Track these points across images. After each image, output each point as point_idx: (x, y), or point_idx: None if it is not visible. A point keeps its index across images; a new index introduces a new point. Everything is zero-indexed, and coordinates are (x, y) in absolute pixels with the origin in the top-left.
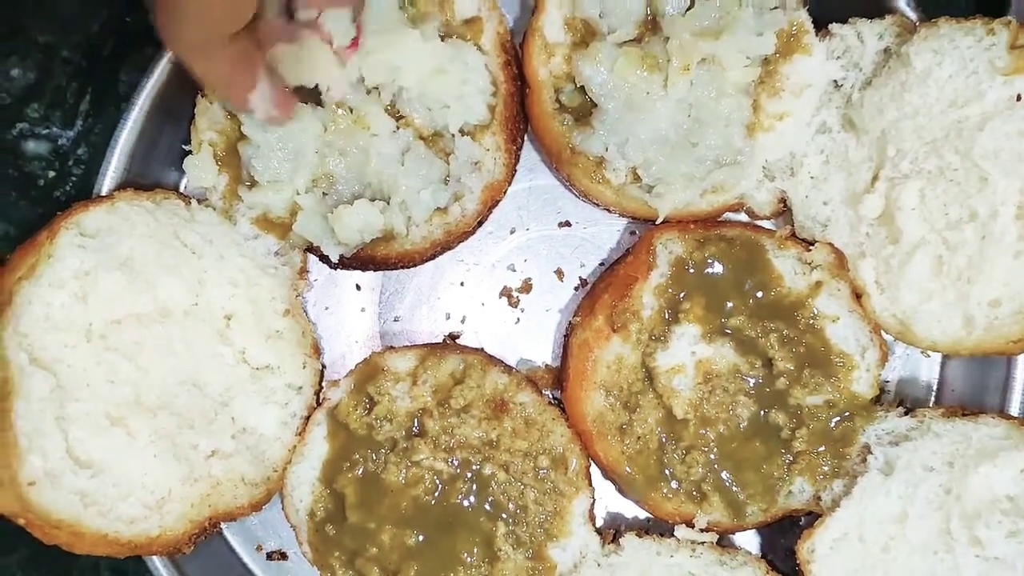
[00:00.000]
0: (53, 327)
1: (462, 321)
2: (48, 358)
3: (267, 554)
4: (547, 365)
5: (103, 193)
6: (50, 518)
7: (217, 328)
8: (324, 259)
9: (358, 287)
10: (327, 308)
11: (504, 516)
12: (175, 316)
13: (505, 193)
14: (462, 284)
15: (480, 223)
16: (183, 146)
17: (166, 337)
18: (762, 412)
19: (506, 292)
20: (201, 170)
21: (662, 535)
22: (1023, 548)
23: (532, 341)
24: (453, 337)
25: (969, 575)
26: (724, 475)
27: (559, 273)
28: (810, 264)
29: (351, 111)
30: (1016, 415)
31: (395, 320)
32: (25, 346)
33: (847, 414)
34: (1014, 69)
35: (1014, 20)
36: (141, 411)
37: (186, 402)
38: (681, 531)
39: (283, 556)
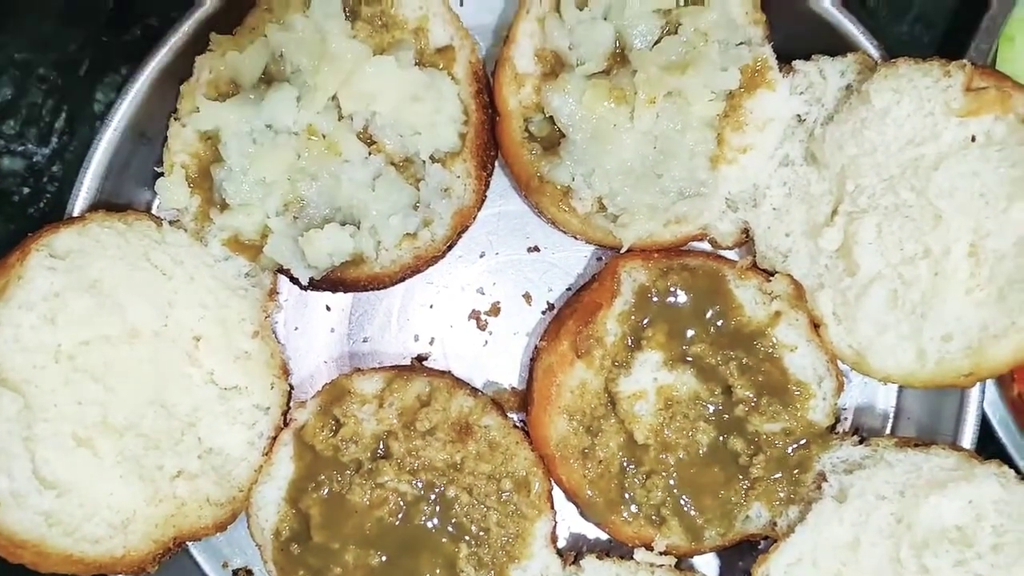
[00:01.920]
0: (22, 348)
1: (431, 343)
2: (16, 379)
3: (233, 571)
4: (513, 388)
5: (75, 212)
6: (14, 538)
7: (186, 349)
8: (294, 281)
9: (328, 308)
10: (296, 328)
11: (467, 538)
12: (144, 337)
13: (475, 219)
14: (431, 306)
15: (450, 247)
16: (155, 168)
17: (134, 358)
18: (721, 438)
19: (475, 315)
20: (173, 192)
21: (622, 557)
22: None
23: (499, 363)
24: (421, 359)
25: None
26: (683, 500)
27: (527, 297)
28: (770, 294)
29: (323, 137)
30: (967, 447)
31: (364, 341)
32: None
33: (803, 442)
34: (969, 111)
35: (969, 64)
36: (108, 432)
37: (153, 423)
38: (640, 554)
39: (249, 573)
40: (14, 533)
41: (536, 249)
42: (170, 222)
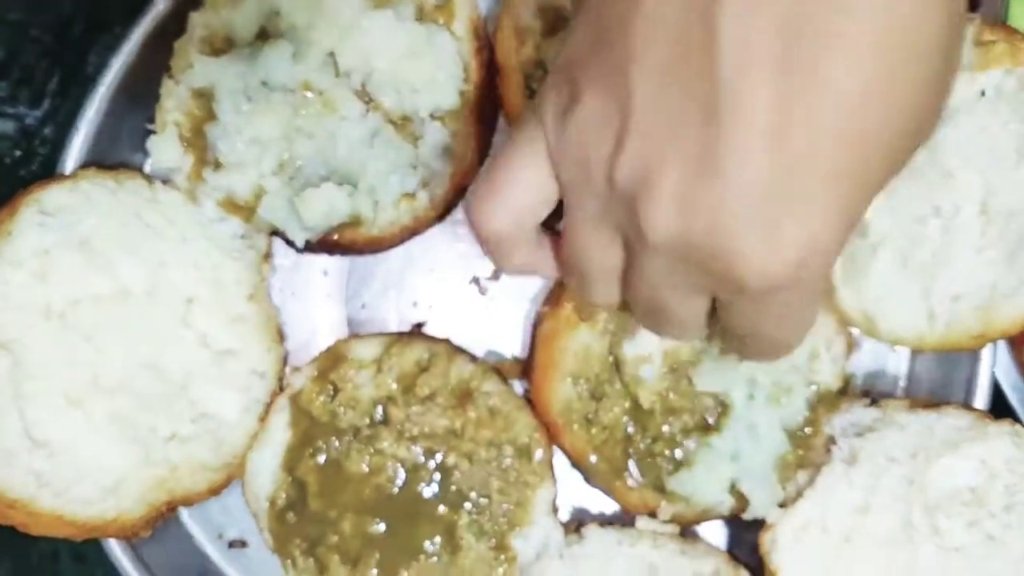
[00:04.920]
0: (11, 306)
1: (430, 309)
2: (5, 338)
3: (228, 542)
4: (514, 356)
5: (67, 172)
6: (4, 497)
7: (178, 311)
8: (290, 243)
9: (325, 273)
10: (293, 293)
11: (467, 505)
12: (136, 297)
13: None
14: (431, 271)
15: (449, 210)
16: (148, 125)
17: (126, 318)
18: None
19: (475, 280)
20: (165, 150)
21: (624, 526)
22: (981, 539)
23: (500, 330)
24: (420, 326)
25: (929, 565)
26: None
27: None
28: None
29: (320, 94)
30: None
31: (362, 307)
32: None
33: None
34: (978, 65)
35: (978, 17)
36: (99, 392)
37: (145, 385)
38: (643, 522)
39: (244, 544)
40: (4, 492)
41: None
42: (163, 182)
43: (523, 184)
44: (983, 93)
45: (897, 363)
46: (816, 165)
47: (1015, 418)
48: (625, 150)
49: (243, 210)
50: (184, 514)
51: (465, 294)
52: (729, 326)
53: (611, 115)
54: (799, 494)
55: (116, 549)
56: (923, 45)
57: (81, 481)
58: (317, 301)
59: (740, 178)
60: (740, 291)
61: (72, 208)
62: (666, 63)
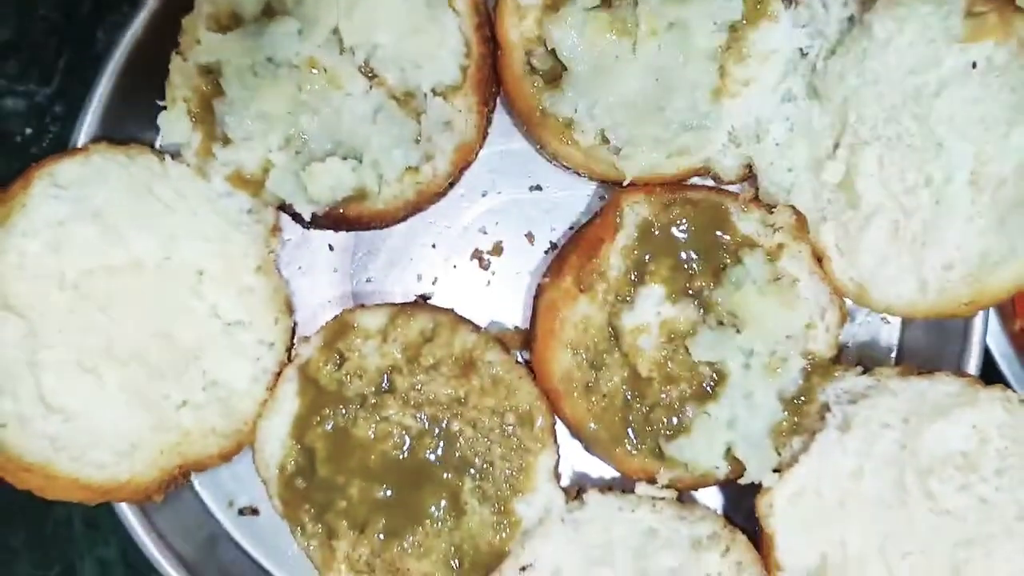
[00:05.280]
0: (26, 275)
1: (433, 283)
2: (21, 305)
3: (239, 510)
4: (516, 327)
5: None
6: (21, 461)
7: (189, 282)
8: (297, 218)
9: (331, 248)
10: (300, 268)
11: (471, 471)
12: (147, 269)
13: (476, 155)
14: (434, 246)
15: (452, 184)
16: (158, 102)
17: (138, 289)
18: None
19: (477, 255)
20: (175, 126)
21: (624, 492)
22: (973, 502)
23: (502, 303)
24: (424, 298)
25: (921, 527)
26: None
27: (530, 236)
28: (772, 226)
29: (325, 71)
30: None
31: (367, 281)
32: None
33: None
34: (969, 36)
35: None
36: (112, 360)
37: (157, 353)
38: (641, 488)
39: (255, 512)
40: (21, 456)
41: (539, 188)
42: (172, 156)
43: None
44: (974, 65)
45: (889, 335)
46: None
47: (1006, 385)
48: None
49: (251, 184)
50: (196, 483)
51: (468, 268)
52: None
53: None
54: (794, 459)
55: (129, 516)
56: None
57: (96, 445)
58: (323, 276)
59: None
60: None
61: (85, 181)
62: None
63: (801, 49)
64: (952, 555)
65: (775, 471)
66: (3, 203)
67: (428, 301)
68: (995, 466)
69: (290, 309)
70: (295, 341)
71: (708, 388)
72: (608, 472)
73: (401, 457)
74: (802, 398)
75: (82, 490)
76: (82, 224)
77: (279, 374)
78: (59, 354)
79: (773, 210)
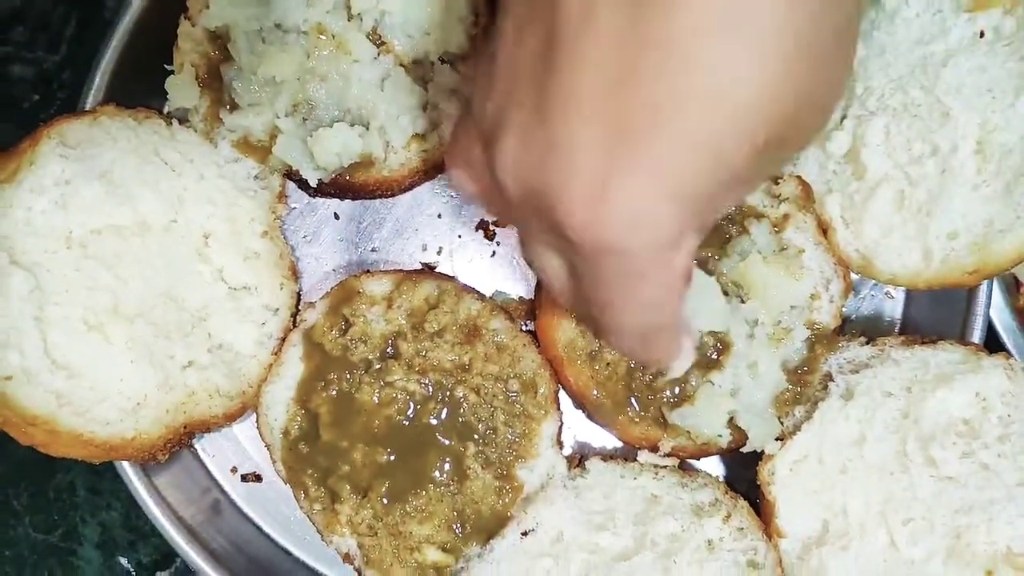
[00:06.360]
0: (33, 232)
1: (438, 252)
2: (28, 261)
3: (241, 476)
4: (521, 297)
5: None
6: (26, 414)
7: (195, 246)
8: (303, 185)
9: (336, 216)
10: (305, 236)
11: (474, 437)
12: (154, 231)
13: None
14: (439, 216)
15: None
16: (166, 66)
17: (145, 250)
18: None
19: (482, 225)
20: (183, 91)
21: (626, 459)
22: (975, 468)
23: (507, 274)
24: (429, 268)
25: (923, 494)
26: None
27: None
28: (778, 197)
29: (333, 37)
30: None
31: (372, 250)
32: (6, 247)
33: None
34: (976, 5)
35: None
36: (118, 319)
37: (163, 314)
38: (644, 455)
39: (258, 478)
40: (26, 409)
41: None
42: (180, 121)
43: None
44: (981, 34)
45: (893, 310)
46: (658, 125)
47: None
48: (490, 97)
49: (258, 150)
50: (199, 448)
51: (473, 238)
52: (577, 293)
53: (487, 71)
54: (797, 428)
55: (133, 480)
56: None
57: (101, 402)
58: (329, 244)
59: (569, 125)
60: (572, 246)
61: (93, 141)
62: (522, 17)
63: None
64: (953, 521)
65: (777, 439)
66: (11, 161)
67: (433, 270)
68: (997, 433)
69: (295, 275)
70: (300, 307)
71: (712, 357)
72: (611, 442)
73: (405, 422)
74: (805, 368)
75: (86, 446)
76: (89, 183)
77: (284, 339)
78: (65, 311)
79: (779, 181)
